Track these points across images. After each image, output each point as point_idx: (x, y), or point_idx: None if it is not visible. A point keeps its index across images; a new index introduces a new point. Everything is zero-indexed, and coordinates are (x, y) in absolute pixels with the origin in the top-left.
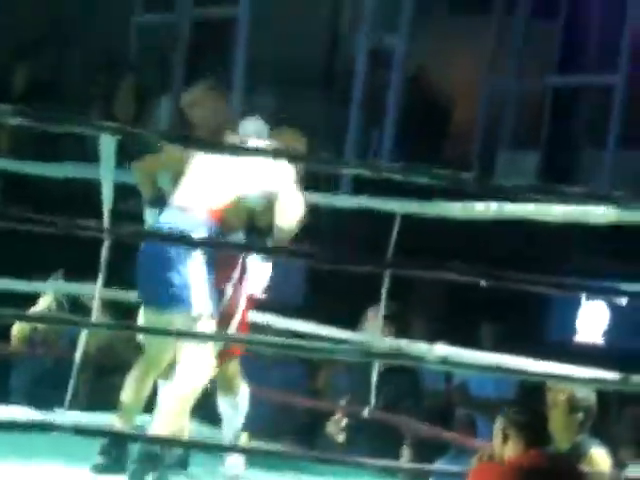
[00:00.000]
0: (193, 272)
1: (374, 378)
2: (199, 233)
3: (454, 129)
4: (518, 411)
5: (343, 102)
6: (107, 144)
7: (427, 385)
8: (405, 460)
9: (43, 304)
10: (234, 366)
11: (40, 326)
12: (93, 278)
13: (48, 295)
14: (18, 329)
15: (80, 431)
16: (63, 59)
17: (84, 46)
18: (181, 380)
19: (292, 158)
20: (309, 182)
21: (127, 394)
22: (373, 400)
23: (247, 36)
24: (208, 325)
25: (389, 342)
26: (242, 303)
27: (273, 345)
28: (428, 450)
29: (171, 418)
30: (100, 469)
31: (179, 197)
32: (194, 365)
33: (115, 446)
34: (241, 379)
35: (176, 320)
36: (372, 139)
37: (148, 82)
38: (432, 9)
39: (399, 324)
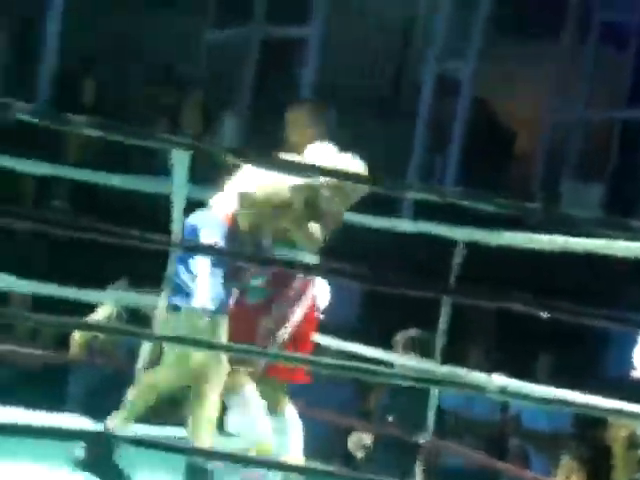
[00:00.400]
0: (199, 267)
1: (432, 404)
2: (214, 232)
3: (518, 157)
4: (583, 446)
5: (409, 126)
6: (180, 159)
7: (480, 415)
8: None
9: (103, 313)
10: (282, 389)
11: (100, 335)
12: (155, 289)
13: (108, 304)
14: (78, 337)
15: (136, 442)
16: (130, 75)
17: (152, 62)
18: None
19: (357, 181)
20: (370, 206)
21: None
22: (431, 425)
23: (316, 57)
24: (214, 323)
25: (445, 369)
26: (312, 326)
27: (332, 367)
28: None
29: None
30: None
31: (215, 196)
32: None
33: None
34: (287, 401)
35: (183, 318)
36: (436, 164)
37: (215, 98)
38: (500, 35)
39: (425, 351)
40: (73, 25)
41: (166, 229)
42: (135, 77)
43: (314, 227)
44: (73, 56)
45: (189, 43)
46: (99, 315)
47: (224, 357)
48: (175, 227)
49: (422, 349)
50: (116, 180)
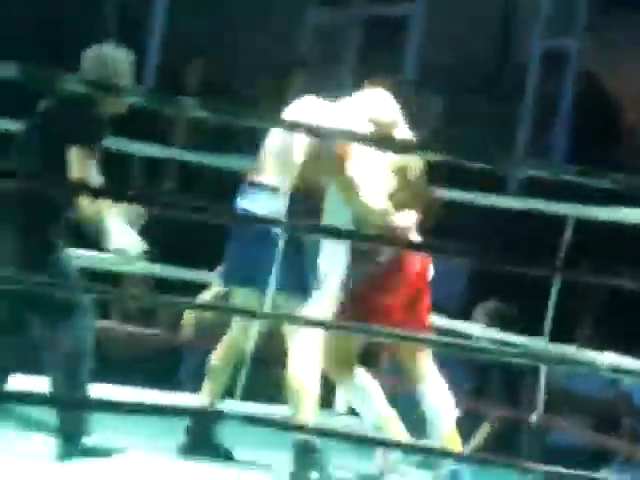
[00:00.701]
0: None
1: (541, 382)
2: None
3: (627, 133)
4: None
5: (515, 104)
6: None
7: (592, 393)
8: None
9: (211, 293)
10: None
11: (209, 315)
12: None
13: (216, 285)
14: (188, 317)
15: (250, 420)
16: (237, 58)
17: (257, 45)
18: (296, 365)
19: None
20: (479, 182)
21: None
22: (541, 406)
23: (420, 35)
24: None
25: (556, 347)
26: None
27: (443, 345)
28: (586, 458)
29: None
30: (186, 451)
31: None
32: (304, 351)
33: (202, 427)
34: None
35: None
36: (543, 142)
37: (320, 80)
38: (609, 8)
39: (506, 323)
40: (179, 10)
41: None
42: (241, 61)
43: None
44: (177, 41)
45: (294, 24)
46: (206, 295)
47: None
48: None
49: (503, 321)
50: (226, 162)
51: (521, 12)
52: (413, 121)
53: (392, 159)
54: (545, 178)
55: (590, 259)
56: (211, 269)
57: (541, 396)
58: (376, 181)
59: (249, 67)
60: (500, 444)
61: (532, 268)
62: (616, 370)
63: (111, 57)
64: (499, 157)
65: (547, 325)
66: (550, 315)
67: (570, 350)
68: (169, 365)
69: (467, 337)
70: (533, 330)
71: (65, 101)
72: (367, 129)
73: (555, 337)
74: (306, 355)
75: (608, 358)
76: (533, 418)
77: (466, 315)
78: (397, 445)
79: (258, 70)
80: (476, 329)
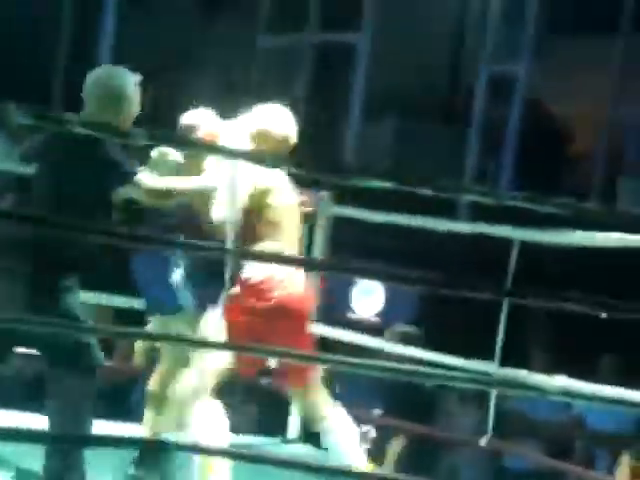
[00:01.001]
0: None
1: (491, 406)
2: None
3: (574, 156)
4: None
5: (462, 129)
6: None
7: (543, 416)
8: None
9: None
10: (313, 393)
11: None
12: None
13: None
14: (138, 347)
15: (199, 450)
16: (185, 82)
17: (205, 69)
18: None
19: (412, 183)
20: (425, 207)
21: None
22: (490, 427)
23: (367, 64)
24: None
25: (506, 371)
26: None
27: (391, 370)
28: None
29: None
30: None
31: None
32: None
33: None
34: (327, 403)
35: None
36: (490, 167)
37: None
38: (556, 32)
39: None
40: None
41: None
42: (192, 87)
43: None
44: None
45: (245, 49)
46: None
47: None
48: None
49: (410, 343)
50: None
51: (469, 37)
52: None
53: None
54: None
55: (537, 282)
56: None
57: (490, 420)
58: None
59: (198, 93)
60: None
61: (480, 292)
62: (566, 393)
63: (119, 80)
64: (446, 183)
65: (497, 349)
66: (500, 339)
67: (521, 374)
68: (122, 395)
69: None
70: (484, 355)
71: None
72: (251, 145)
73: (506, 361)
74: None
75: (559, 381)
76: (483, 441)
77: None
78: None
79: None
80: (422, 353)
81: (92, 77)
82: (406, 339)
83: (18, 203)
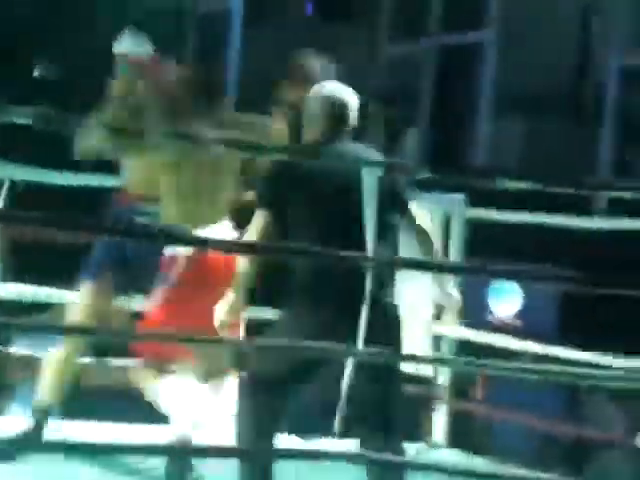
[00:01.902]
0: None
1: None
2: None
3: None
4: None
5: (594, 124)
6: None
7: None
8: None
9: None
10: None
11: None
12: None
13: None
14: None
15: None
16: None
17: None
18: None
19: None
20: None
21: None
22: None
23: (493, 64)
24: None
25: None
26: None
27: (539, 372)
28: None
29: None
30: None
31: None
32: None
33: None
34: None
35: None
36: (624, 161)
37: (396, 112)
38: None
39: None
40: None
41: None
42: None
43: None
44: (254, 86)
45: (367, 58)
46: None
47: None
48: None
49: None
50: None
51: (597, 31)
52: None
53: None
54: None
55: None
56: None
57: None
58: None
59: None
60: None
61: (626, 288)
62: None
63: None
64: (583, 179)
65: None
66: None
67: None
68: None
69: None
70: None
71: None
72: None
73: None
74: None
75: None
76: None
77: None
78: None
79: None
80: (573, 354)
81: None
82: None
83: None
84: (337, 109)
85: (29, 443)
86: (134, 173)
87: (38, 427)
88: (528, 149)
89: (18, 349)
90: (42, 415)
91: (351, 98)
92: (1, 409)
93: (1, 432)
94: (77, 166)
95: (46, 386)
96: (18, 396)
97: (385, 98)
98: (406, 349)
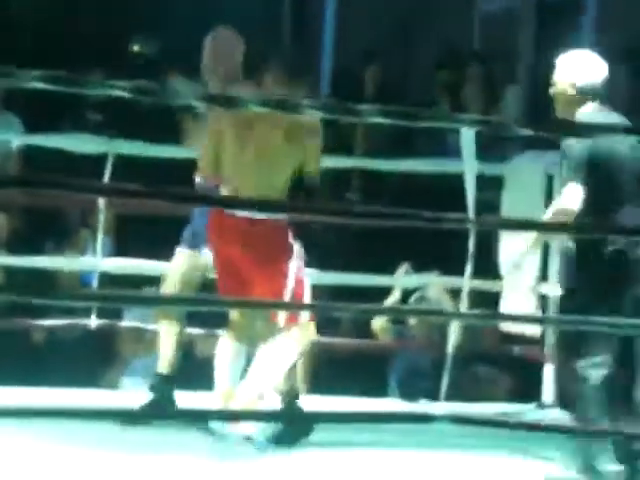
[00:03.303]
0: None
1: None
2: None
3: None
4: None
5: None
6: (468, 137)
7: None
8: None
9: (393, 298)
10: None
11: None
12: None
13: (397, 289)
14: (378, 324)
15: (457, 420)
16: (409, 56)
17: (428, 41)
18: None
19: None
20: None
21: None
22: None
23: (594, 16)
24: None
25: None
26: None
27: None
28: None
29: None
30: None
31: None
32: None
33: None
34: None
35: None
36: None
37: (495, 71)
38: None
39: None
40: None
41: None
42: (414, 58)
43: None
44: (351, 50)
45: (463, 17)
46: (391, 299)
47: None
48: (469, 204)
49: None
50: (406, 165)
51: None
52: None
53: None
54: None
55: None
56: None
57: None
58: None
59: (423, 64)
60: None
61: None
62: None
63: None
64: None
65: None
66: None
67: None
68: (372, 372)
69: None
70: None
71: None
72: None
73: None
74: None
75: None
76: None
77: None
78: None
79: (431, 66)
80: None
81: None
82: None
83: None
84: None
85: (162, 414)
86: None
87: (166, 398)
88: (632, 102)
89: (129, 322)
90: (166, 386)
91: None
92: (115, 382)
93: (119, 405)
94: (177, 140)
95: (165, 357)
96: (131, 369)
97: (483, 56)
98: (512, 309)
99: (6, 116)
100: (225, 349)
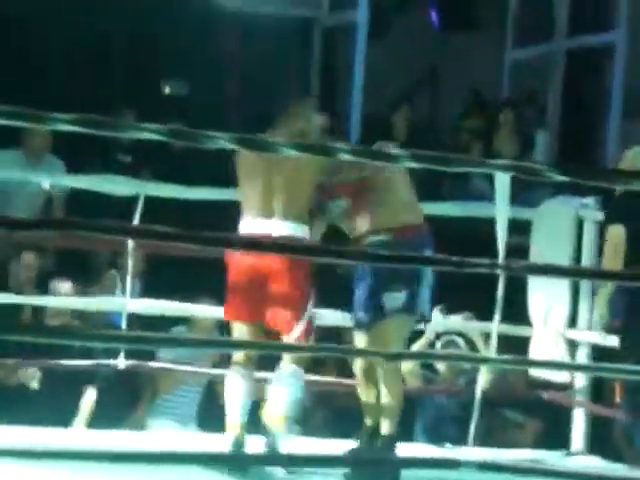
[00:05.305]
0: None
1: None
2: None
3: None
4: None
5: None
6: (503, 181)
7: None
8: None
9: (423, 341)
10: None
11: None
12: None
13: (428, 332)
14: (408, 368)
15: (485, 467)
16: (438, 101)
17: (458, 86)
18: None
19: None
20: None
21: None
22: None
23: (625, 63)
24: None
25: None
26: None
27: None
28: None
29: None
30: None
31: None
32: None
33: None
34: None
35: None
36: None
37: (525, 116)
38: None
39: None
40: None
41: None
42: (443, 102)
43: None
44: (381, 97)
45: (493, 63)
46: (421, 342)
47: None
48: (500, 248)
49: None
50: (437, 208)
51: None
52: None
53: None
54: None
55: None
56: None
57: None
58: None
59: (452, 108)
60: None
61: None
62: None
63: None
64: None
65: None
66: None
67: None
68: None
69: None
70: None
71: None
72: None
73: None
74: None
75: None
76: None
77: None
78: None
79: (460, 110)
80: None
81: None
82: None
83: None
84: None
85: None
86: None
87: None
88: None
89: (161, 363)
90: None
91: None
92: (146, 424)
93: (152, 447)
94: (208, 181)
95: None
96: (161, 409)
97: (514, 102)
98: (541, 355)
99: (50, 159)
100: (234, 384)
